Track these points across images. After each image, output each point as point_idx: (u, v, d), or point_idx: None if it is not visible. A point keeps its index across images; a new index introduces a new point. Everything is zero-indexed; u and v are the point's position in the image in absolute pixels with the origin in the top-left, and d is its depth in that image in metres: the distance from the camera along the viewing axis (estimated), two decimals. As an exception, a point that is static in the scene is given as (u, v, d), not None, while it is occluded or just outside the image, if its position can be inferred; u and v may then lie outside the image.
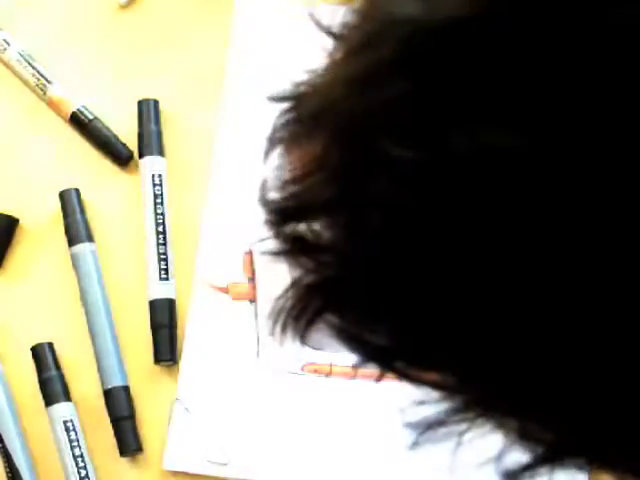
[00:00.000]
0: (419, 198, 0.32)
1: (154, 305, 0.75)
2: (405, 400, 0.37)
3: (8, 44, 0.82)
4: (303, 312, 0.37)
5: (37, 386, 0.75)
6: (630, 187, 0.29)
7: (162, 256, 0.76)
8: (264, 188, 0.37)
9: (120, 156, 0.79)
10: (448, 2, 0.31)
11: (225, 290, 0.76)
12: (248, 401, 0.73)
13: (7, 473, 0.73)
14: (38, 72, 0.81)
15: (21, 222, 0.79)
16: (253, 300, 0.75)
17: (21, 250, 0.79)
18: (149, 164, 0.78)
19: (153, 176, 0.78)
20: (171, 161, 0.79)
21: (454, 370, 0.35)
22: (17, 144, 0.81)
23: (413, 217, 0.32)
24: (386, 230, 0.32)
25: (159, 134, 0.79)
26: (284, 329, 0.38)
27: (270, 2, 0.82)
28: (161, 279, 0.76)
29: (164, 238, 0.77)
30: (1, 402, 0.75)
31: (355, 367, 0.37)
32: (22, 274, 0.78)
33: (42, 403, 0.75)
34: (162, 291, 0.76)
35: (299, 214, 0.35)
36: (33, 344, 0.75)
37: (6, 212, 0.78)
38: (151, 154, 0.79)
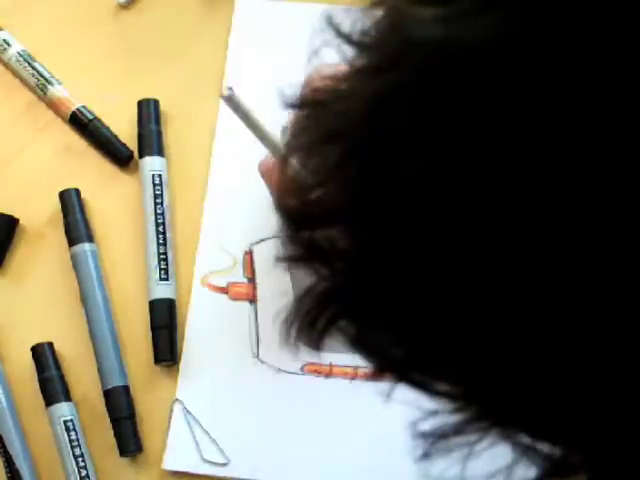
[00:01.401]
0: (433, 215, 0.32)
1: (154, 305, 0.75)
2: (414, 412, 0.37)
3: (8, 44, 0.82)
4: (318, 319, 0.37)
5: (37, 386, 0.75)
6: (629, 188, 0.30)
7: (162, 256, 0.76)
8: (281, 195, 0.37)
9: (120, 156, 0.79)
10: (469, 27, 0.31)
11: (224, 290, 0.76)
12: (248, 401, 0.73)
13: (7, 473, 0.73)
14: (38, 72, 0.81)
15: (21, 222, 0.79)
16: (253, 300, 0.75)
17: (21, 250, 0.79)
18: (149, 164, 0.78)
19: (153, 176, 0.78)
20: (171, 161, 0.79)
21: (460, 381, 0.35)
22: (17, 144, 0.81)
23: (425, 232, 0.32)
24: (398, 243, 0.33)
25: (159, 134, 0.79)
26: (299, 335, 0.38)
27: (270, 2, 0.82)
28: (161, 279, 0.76)
29: (164, 238, 0.77)
30: (1, 402, 0.75)
31: (372, 374, 0.38)
32: (22, 274, 0.78)
33: (42, 403, 0.75)
34: (162, 291, 0.76)
35: (314, 221, 0.36)
36: (33, 344, 0.75)
37: (6, 212, 0.78)
38: (151, 154, 0.79)
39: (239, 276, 0.76)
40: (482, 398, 0.35)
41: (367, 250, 0.34)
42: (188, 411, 0.73)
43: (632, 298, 0.30)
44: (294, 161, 0.36)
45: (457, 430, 0.35)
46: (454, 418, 0.35)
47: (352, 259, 0.35)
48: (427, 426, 0.36)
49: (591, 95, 0.30)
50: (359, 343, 0.37)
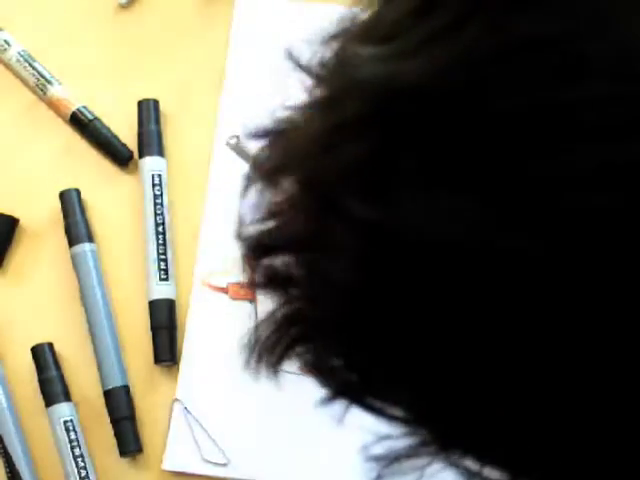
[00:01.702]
0: (374, 256, 0.33)
1: (154, 305, 0.75)
2: (367, 435, 0.38)
3: (8, 44, 0.82)
4: (277, 344, 0.38)
5: (37, 386, 0.75)
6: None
7: (162, 256, 0.76)
8: (241, 222, 0.38)
9: (120, 156, 0.79)
10: (412, 66, 0.32)
11: (224, 290, 0.76)
12: (248, 401, 0.73)
13: (7, 473, 0.73)
14: (38, 72, 0.81)
15: (21, 222, 0.79)
16: (252, 300, 0.75)
17: (21, 250, 0.79)
18: (149, 164, 0.78)
19: (153, 176, 0.78)
20: (171, 161, 0.79)
21: (410, 406, 0.36)
22: (17, 144, 0.81)
23: (367, 271, 0.33)
24: (343, 278, 0.34)
25: (159, 134, 0.79)
26: (259, 360, 0.39)
27: (270, 2, 0.82)
28: (161, 279, 0.76)
29: (164, 238, 0.77)
30: (1, 402, 0.75)
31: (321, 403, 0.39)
32: (22, 274, 0.78)
33: (42, 403, 0.74)
34: (162, 291, 0.76)
35: (271, 250, 0.37)
36: (33, 344, 0.75)
37: (6, 212, 0.78)
38: (151, 154, 0.79)
39: (239, 276, 0.76)
40: (431, 423, 0.36)
41: (315, 282, 0.35)
42: (188, 411, 0.73)
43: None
44: (255, 189, 0.37)
45: (408, 454, 0.36)
46: (406, 442, 0.36)
47: (306, 287, 0.36)
48: (380, 449, 0.37)
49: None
50: (315, 368, 0.38)
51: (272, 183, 0.37)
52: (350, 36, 0.35)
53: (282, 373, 0.71)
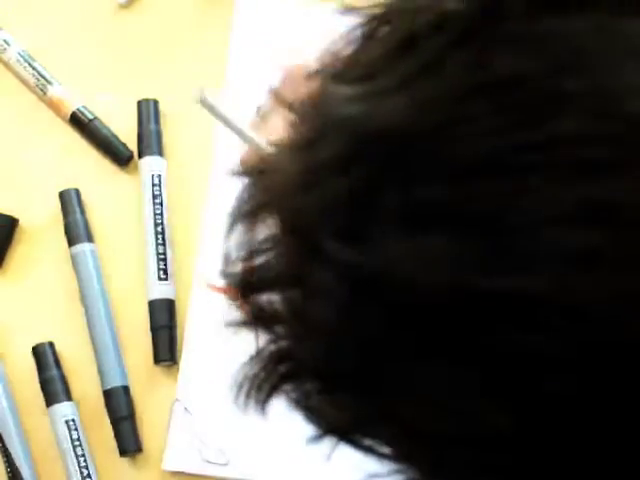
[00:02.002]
0: (355, 298, 0.33)
1: (153, 305, 0.75)
2: (358, 473, 0.38)
3: (8, 44, 0.82)
4: (265, 381, 0.38)
5: (38, 386, 0.75)
6: None
7: (161, 256, 0.76)
8: (226, 261, 0.38)
9: (120, 156, 0.79)
10: (390, 105, 0.31)
11: (225, 290, 0.75)
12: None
13: (7, 473, 0.73)
14: (38, 72, 0.81)
15: (21, 222, 0.79)
16: (253, 300, 0.75)
17: (21, 250, 0.79)
18: (149, 164, 0.78)
19: (153, 176, 0.78)
20: (171, 161, 0.79)
21: (402, 445, 0.36)
22: (17, 144, 0.81)
23: (349, 313, 0.33)
24: (325, 319, 0.33)
25: (159, 134, 0.79)
26: (247, 397, 0.39)
27: (270, 2, 0.82)
28: (160, 279, 0.76)
29: (163, 238, 0.77)
30: (1, 402, 0.75)
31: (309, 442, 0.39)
32: (22, 274, 0.78)
33: (43, 403, 0.75)
34: (161, 291, 0.76)
35: (256, 288, 0.37)
36: (33, 344, 0.75)
37: (6, 212, 0.78)
38: (151, 154, 0.79)
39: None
40: (419, 462, 0.36)
41: (303, 318, 0.35)
42: (188, 411, 0.73)
43: None
44: (239, 228, 0.37)
45: None
46: (397, 479, 0.36)
47: (291, 325, 0.36)
48: None
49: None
50: (301, 407, 0.38)
51: (254, 222, 0.37)
52: (328, 75, 0.35)
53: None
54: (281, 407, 0.74)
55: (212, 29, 0.81)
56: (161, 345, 0.75)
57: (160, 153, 0.79)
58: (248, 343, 0.76)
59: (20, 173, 0.80)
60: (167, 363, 0.75)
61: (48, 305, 0.77)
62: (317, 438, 0.38)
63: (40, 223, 0.79)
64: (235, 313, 0.38)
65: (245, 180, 0.37)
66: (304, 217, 0.33)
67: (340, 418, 0.37)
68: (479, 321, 0.30)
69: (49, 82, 0.81)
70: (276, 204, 0.35)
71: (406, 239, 0.31)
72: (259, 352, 0.37)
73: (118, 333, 0.76)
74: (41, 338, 0.76)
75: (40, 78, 0.81)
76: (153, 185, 0.78)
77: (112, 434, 0.74)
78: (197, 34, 0.82)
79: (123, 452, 0.73)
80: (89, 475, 0.73)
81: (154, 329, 0.75)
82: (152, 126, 0.79)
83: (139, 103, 0.80)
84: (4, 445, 0.74)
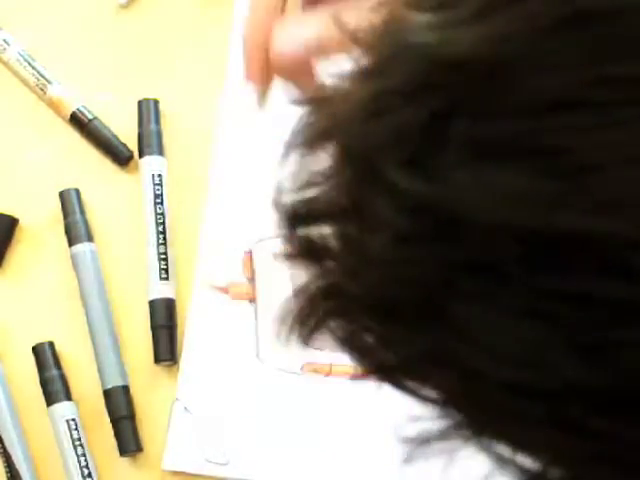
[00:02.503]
0: (417, 229, 0.31)
1: (154, 305, 0.75)
2: (400, 415, 0.37)
3: (8, 44, 0.82)
4: (309, 317, 0.37)
5: (38, 386, 0.75)
6: None
7: (162, 256, 0.76)
8: (279, 191, 0.37)
9: (120, 156, 0.79)
10: (469, 34, 0.31)
11: (225, 290, 0.76)
12: (248, 401, 0.73)
13: (7, 473, 0.73)
14: (38, 72, 0.81)
15: (21, 222, 0.79)
16: (253, 300, 0.75)
17: (21, 250, 0.79)
18: (149, 164, 0.78)
19: (153, 176, 0.78)
20: (171, 161, 0.79)
21: (446, 389, 0.35)
22: (17, 144, 0.81)
23: (408, 248, 0.32)
24: (382, 253, 0.32)
25: (159, 134, 0.79)
26: (290, 333, 0.38)
27: (270, 2, 0.81)
28: (161, 279, 0.76)
29: (164, 238, 0.77)
30: (1, 402, 0.75)
31: (355, 373, 0.37)
32: (22, 274, 0.78)
33: (43, 403, 0.75)
34: (162, 291, 0.76)
35: (308, 219, 0.36)
36: (33, 344, 0.75)
37: (6, 212, 0.78)
38: (151, 154, 0.79)
39: (239, 276, 0.76)
40: (465, 407, 0.35)
41: (357, 253, 0.34)
42: (188, 411, 0.73)
43: None
44: (294, 158, 0.36)
45: (440, 437, 0.35)
46: (438, 424, 0.35)
47: (342, 260, 0.35)
48: (411, 430, 0.36)
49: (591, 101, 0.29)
50: (348, 344, 0.37)
51: (313, 150, 0.35)
52: (401, 3, 0.34)
53: (282, 373, 0.71)
54: (281, 407, 0.74)
55: (212, 29, 0.81)
56: (161, 345, 0.75)
57: (160, 153, 0.79)
58: (248, 343, 0.76)
59: (20, 173, 0.80)
60: (167, 363, 0.75)
61: (48, 305, 0.77)
62: (362, 373, 0.37)
63: (40, 223, 0.79)
64: (283, 247, 0.37)
65: (307, 108, 0.36)
66: (369, 143, 0.32)
67: (389, 356, 0.35)
68: (555, 264, 0.29)
69: (49, 82, 0.81)
70: (340, 130, 0.34)
71: (478, 172, 0.30)
72: (305, 287, 0.36)
73: (118, 333, 0.76)
74: (41, 338, 0.76)
75: (40, 78, 0.81)
76: (154, 185, 0.78)
77: (112, 434, 0.74)
78: (197, 34, 0.82)
79: (123, 452, 0.73)
80: (89, 475, 0.73)
81: (154, 328, 0.75)
82: (152, 126, 0.79)
83: (139, 103, 0.80)
84: (4, 445, 0.74)
